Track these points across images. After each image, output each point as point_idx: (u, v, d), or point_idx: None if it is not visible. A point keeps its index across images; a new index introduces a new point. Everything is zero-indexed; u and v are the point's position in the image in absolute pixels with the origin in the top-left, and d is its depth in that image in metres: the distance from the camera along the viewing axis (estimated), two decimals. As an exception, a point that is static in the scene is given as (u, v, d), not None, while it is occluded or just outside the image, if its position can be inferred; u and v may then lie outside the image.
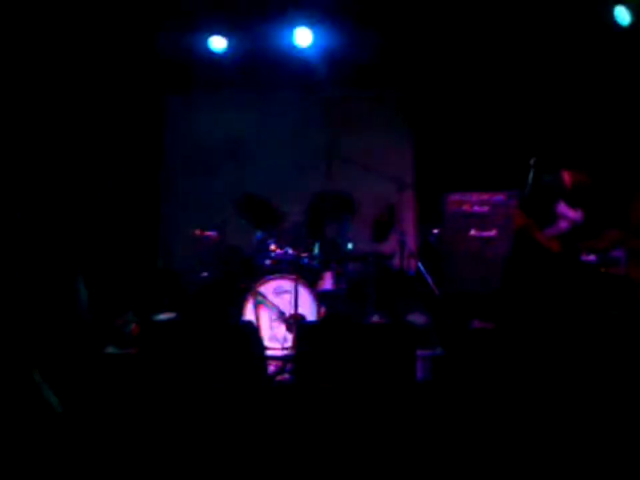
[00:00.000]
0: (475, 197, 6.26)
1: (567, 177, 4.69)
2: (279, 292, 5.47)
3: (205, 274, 5.86)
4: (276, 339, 5.36)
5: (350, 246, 5.84)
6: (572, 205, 4.62)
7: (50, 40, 6.13)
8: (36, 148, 5.77)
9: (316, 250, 5.78)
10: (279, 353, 5.17)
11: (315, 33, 6.52)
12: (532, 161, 4.66)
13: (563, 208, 4.64)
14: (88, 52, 6.42)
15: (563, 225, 4.63)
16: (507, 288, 4.77)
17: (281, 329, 5.39)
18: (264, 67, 7.04)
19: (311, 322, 5.28)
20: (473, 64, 6.76)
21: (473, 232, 6.23)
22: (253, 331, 4.56)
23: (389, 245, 6.24)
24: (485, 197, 6.13)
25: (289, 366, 4.67)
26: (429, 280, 5.91)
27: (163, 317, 5.57)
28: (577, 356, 4.28)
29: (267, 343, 5.13)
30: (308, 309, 5.38)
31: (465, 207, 6.28)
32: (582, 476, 2.94)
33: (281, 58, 6.86)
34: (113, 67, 6.68)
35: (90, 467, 2.92)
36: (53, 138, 5.96)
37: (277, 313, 5.41)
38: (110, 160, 6.46)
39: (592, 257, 5.57)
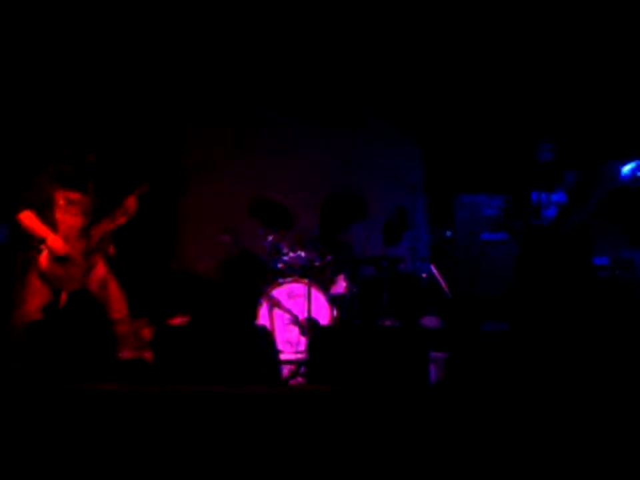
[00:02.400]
0: (486, 199, 6.26)
1: None
2: (292, 296, 5.50)
3: (219, 277, 5.90)
4: (289, 342, 5.39)
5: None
6: (547, 190, 4.63)
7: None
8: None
9: (328, 253, 5.81)
10: (292, 356, 5.20)
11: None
12: None
13: (541, 195, 4.66)
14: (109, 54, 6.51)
15: (551, 211, 4.63)
16: (519, 290, 4.77)
17: (295, 333, 5.42)
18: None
19: (323, 325, 5.31)
20: (483, 65, 6.76)
21: (485, 234, 6.23)
22: (266, 334, 4.58)
23: (401, 248, 6.26)
24: (496, 199, 6.12)
25: (302, 370, 4.69)
26: (442, 283, 5.91)
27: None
28: (589, 357, 4.27)
29: (280, 346, 5.16)
30: (321, 312, 5.41)
31: (477, 209, 6.28)
32: (592, 477, 2.94)
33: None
34: (131, 67, 6.74)
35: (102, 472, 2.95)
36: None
37: (290, 316, 5.44)
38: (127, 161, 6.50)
39: (604, 260, 5.57)
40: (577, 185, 4.64)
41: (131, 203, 4.76)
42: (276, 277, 5.65)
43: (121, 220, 4.75)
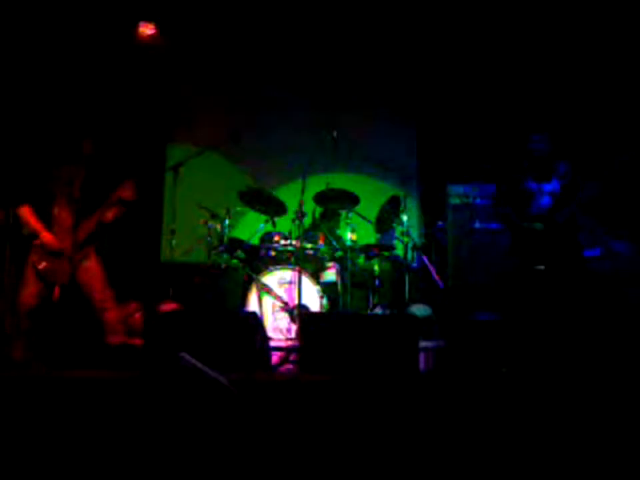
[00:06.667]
0: (478, 188, 6.25)
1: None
2: (282, 283, 5.49)
3: (209, 264, 5.87)
4: (279, 329, 5.38)
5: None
6: (539, 180, 4.62)
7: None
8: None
9: (319, 241, 5.80)
10: (282, 343, 5.19)
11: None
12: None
13: (532, 185, 4.65)
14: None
15: (545, 201, 4.63)
16: (510, 279, 4.78)
17: (285, 320, 5.41)
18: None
19: (314, 313, 5.30)
20: (476, 54, 6.75)
21: (477, 224, 6.23)
22: (256, 321, 4.57)
23: (393, 236, 6.25)
24: (489, 188, 6.12)
25: (292, 357, 4.69)
26: (433, 272, 5.91)
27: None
28: (580, 348, 4.29)
29: (270, 333, 5.15)
30: (311, 299, 5.40)
31: (469, 199, 6.28)
32: (584, 472, 2.95)
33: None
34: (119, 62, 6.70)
35: (91, 462, 2.94)
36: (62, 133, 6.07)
37: (280, 303, 5.43)
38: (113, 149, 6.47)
39: (596, 251, 5.58)
40: (570, 175, 4.64)
41: (127, 192, 4.77)
42: (267, 264, 5.63)
43: (108, 215, 4.80)
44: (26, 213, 4.74)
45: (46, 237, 4.67)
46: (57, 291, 4.68)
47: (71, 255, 4.74)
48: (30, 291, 4.66)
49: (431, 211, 6.74)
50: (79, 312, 4.90)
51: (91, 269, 4.78)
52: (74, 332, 4.87)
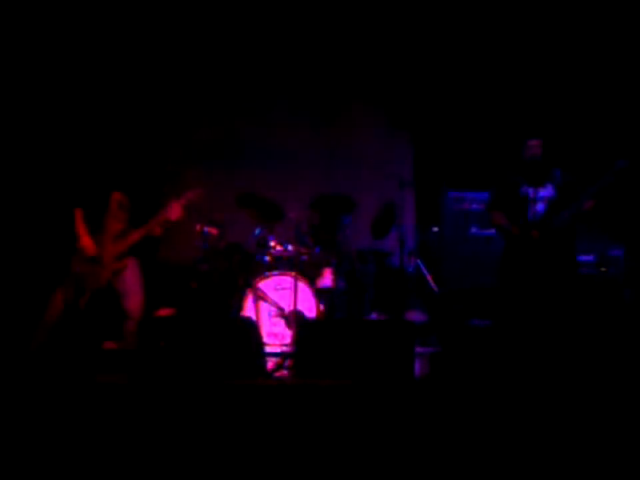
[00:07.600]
0: (474, 194, 6.27)
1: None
2: (278, 288, 5.48)
3: (205, 269, 5.86)
4: (275, 335, 5.37)
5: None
6: (534, 185, 4.65)
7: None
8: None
9: (315, 247, 5.80)
10: (277, 349, 5.19)
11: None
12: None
13: (528, 190, 4.67)
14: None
15: (540, 207, 4.65)
16: (504, 285, 4.79)
17: (280, 325, 5.41)
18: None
19: (309, 318, 5.30)
20: (471, 60, 6.77)
21: (472, 230, 6.25)
22: (252, 326, 4.56)
23: (388, 243, 6.26)
24: (484, 194, 6.14)
25: (287, 362, 4.68)
26: (428, 277, 5.92)
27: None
28: (574, 353, 4.30)
29: (265, 339, 5.14)
30: (307, 305, 5.40)
31: (465, 205, 6.29)
32: (581, 475, 2.95)
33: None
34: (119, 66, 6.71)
35: (88, 465, 2.94)
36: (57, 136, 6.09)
37: (276, 309, 5.43)
38: (112, 154, 6.47)
39: (590, 257, 5.60)
40: (566, 181, 4.66)
41: (176, 210, 4.85)
42: (263, 269, 5.63)
43: (157, 230, 4.93)
44: (77, 215, 4.91)
45: (84, 242, 4.82)
46: (86, 297, 4.78)
47: (109, 263, 4.83)
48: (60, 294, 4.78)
49: (427, 217, 6.76)
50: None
51: (130, 279, 4.87)
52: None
